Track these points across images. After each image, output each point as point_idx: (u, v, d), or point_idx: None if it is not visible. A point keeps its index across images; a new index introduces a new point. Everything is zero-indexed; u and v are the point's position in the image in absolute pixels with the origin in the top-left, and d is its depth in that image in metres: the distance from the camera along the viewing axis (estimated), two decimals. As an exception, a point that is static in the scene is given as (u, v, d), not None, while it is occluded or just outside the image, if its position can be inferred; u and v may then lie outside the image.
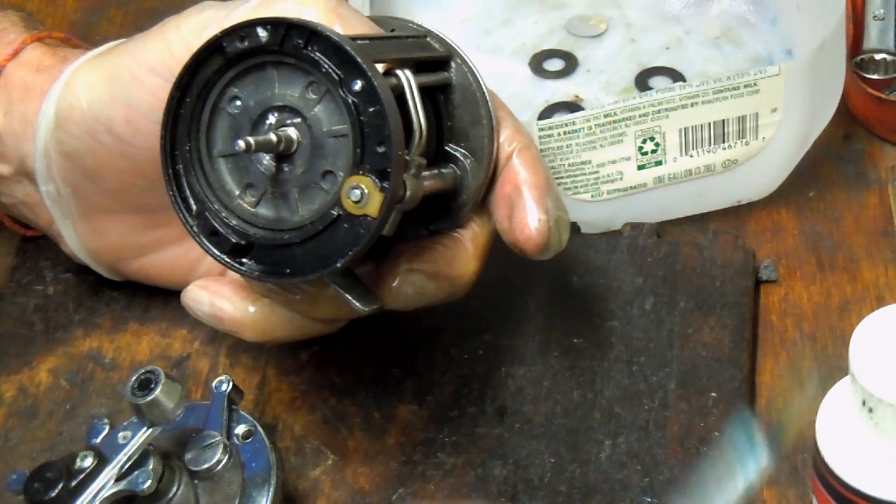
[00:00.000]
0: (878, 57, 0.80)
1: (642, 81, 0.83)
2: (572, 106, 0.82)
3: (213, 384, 0.64)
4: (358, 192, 0.56)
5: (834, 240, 0.76)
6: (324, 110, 0.58)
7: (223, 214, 0.60)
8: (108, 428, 0.62)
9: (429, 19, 0.86)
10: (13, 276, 0.76)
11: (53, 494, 0.57)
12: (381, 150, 0.56)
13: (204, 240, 0.60)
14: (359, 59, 0.56)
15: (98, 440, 0.61)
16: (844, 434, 0.57)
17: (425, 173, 0.60)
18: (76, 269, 0.74)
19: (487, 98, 0.63)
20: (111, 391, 0.70)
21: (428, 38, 0.64)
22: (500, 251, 0.64)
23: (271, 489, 0.61)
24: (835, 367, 0.69)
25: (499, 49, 0.86)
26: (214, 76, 0.59)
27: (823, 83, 0.75)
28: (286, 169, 0.59)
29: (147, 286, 0.73)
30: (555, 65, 0.85)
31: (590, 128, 0.72)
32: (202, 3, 0.66)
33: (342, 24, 0.61)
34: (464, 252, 0.63)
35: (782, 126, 0.74)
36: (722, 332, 0.70)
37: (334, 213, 0.57)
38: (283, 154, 0.58)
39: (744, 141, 0.74)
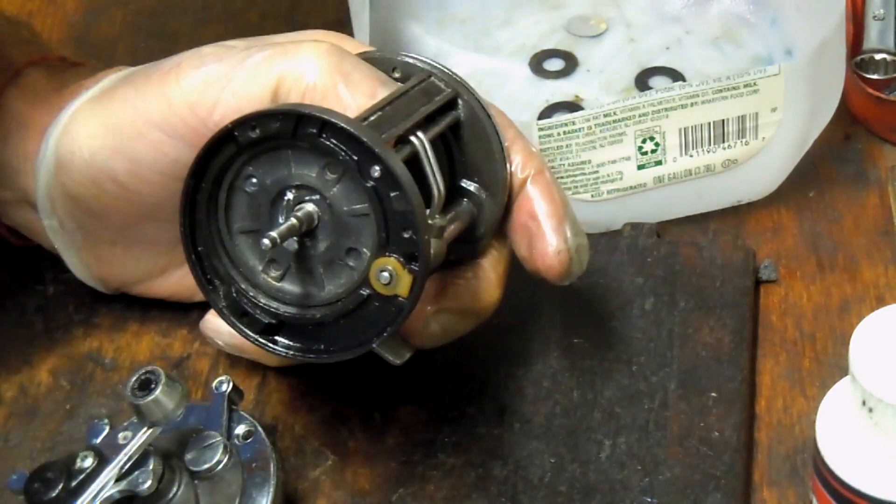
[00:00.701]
0: (878, 57, 0.80)
1: (642, 81, 0.83)
2: (572, 106, 0.82)
3: (214, 384, 0.64)
4: (387, 274, 0.56)
5: (834, 240, 0.76)
6: (343, 189, 0.57)
7: (251, 293, 0.60)
8: (108, 428, 0.62)
9: (429, 19, 0.87)
10: (13, 276, 0.76)
11: (53, 494, 0.57)
12: (406, 234, 0.56)
13: (236, 321, 0.60)
14: (376, 149, 0.56)
15: (98, 440, 0.62)
16: (844, 434, 0.57)
17: (446, 223, 0.60)
18: (76, 269, 0.74)
19: (497, 129, 0.63)
20: (111, 391, 0.70)
21: (433, 78, 0.63)
22: (514, 264, 0.64)
23: (271, 489, 0.61)
24: (835, 367, 0.69)
25: (499, 49, 0.86)
26: (228, 161, 0.58)
27: (823, 83, 0.75)
28: (309, 244, 0.59)
29: (147, 287, 0.73)
30: (555, 65, 0.85)
31: (589, 128, 0.72)
32: (201, 52, 0.65)
33: (346, 83, 0.61)
34: (487, 282, 0.63)
35: (782, 126, 0.74)
36: (722, 332, 0.70)
37: (364, 293, 0.57)
38: (305, 231, 0.58)
39: (744, 141, 0.74)
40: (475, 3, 0.88)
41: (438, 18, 0.87)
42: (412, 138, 0.59)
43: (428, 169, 0.59)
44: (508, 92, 0.83)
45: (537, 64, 0.84)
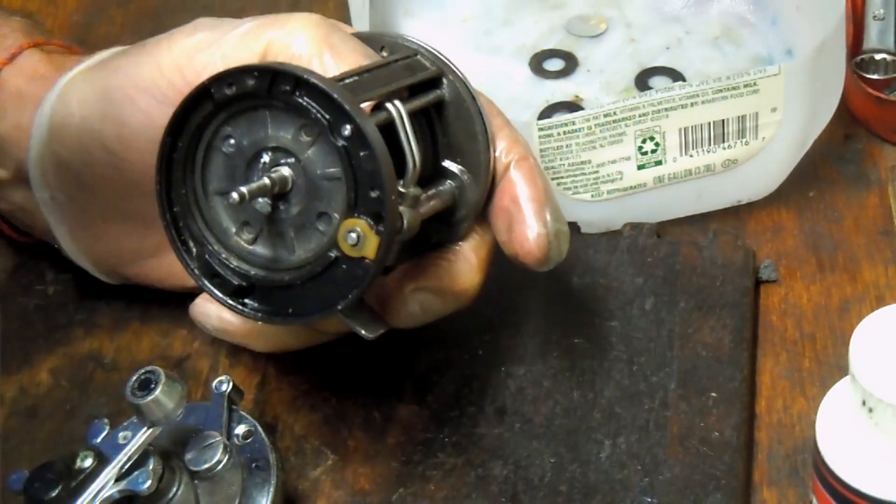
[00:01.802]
0: (878, 57, 0.80)
1: (642, 81, 0.83)
2: (572, 106, 0.82)
3: (214, 384, 0.64)
4: (354, 235, 0.56)
5: (834, 240, 0.76)
6: (317, 152, 0.58)
7: (223, 255, 0.60)
8: (108, 428, 0.62)
9: (429, 19, 0.87)
10: (13, 276, 0.76)
11: (53, 494, 0.57)
12: (374, 194, 0.56)
13: (206, 282, 0.60)
14: (346, 106, 0.56)
15: (98, 440, 0.61)
16: (844, 434, 0.57)
17: (423, 196, 0.60)
18: (76, 269, 0.74)
19: (482, 111, 0.63)
20: (111, 391, 0.70)
21: (419, 56, 0.63)
22: (499, 251, 0.64)
23: (271, 489, 0.61)
24: (835, 367, 0.69)
25: (499, 49, 0.86)
26: (206, 119, 0.59)
27: (823, 83, 0.75)
28: (282, 208, 0.59)
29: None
30: (555, 65, 0.85)
31: (590, 128, 0.72)
32: (196, 23, 0.66)
33: (332, 54, 0.61)
34: (467, 265, 0.63)
35: (782, 126, 0.74)
36: (722, 332, 0.70)
37: (332, 255, 0.58)
38: (278, 193, 0.58)
39: (744, 141, 0.74)
40: (475, 3, 0.88)
41: (438, 18, 0.87)
42: (388, 105, 0.59)
43: (403, 137, 0.59)
44: (508, 92, 0.83)
45: (537, 64, 0.84)
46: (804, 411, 0.68)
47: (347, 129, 0.56)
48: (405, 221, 0.58)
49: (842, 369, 0.57)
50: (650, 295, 0.71)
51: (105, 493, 0.58)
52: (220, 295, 0.60)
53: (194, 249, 0.60)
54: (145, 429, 0.58)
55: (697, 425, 0.66)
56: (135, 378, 0.58)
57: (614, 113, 0.72)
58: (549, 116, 0.79)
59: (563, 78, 0.84)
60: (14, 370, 0.72)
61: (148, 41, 0.66)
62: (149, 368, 0.58)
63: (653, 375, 0.68)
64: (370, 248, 0.57)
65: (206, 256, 0.60)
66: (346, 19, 0.78)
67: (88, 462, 0.58)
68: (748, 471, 0.65)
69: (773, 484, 0.65)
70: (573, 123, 0.72)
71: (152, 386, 0.57)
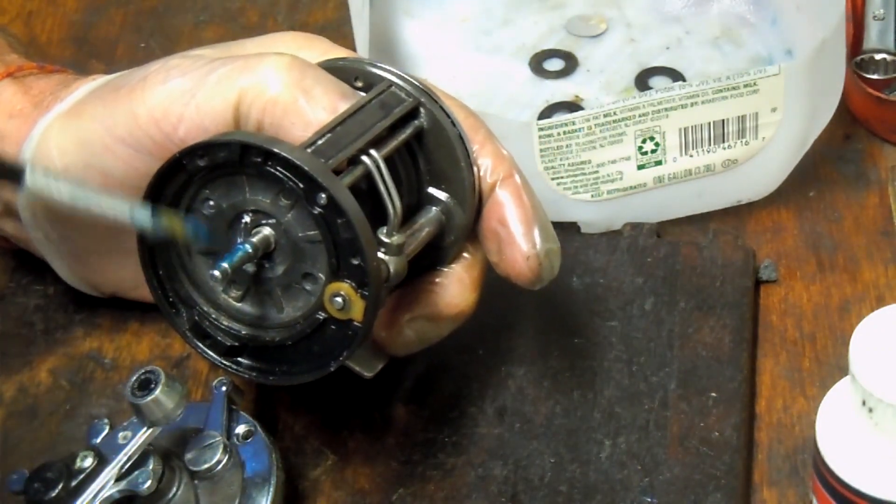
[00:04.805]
0: (878, 57, 0.80)
1: (642, 81, 0.83)
2: (572, 106, 0.82)
3: (214, 384, 0.64)
4: (340, 299, 0.57)
5: (834, 240, 0.76)
6: (296, 216, 0.57)
7: (213, 316, 0.60)
8: (108, 428, 0.62)
9: (429, 19, 0.87)
10: (13, 276, 0.76)
11: (53, 494, 0.57)
12: (355, 262, 0.56)
13: (199, 344, 0.61)
14: (317, 178, 0.55)
15: (98, 440, 0.62)
16: (844, 434, 0.57)
17: (409, 234, 0.60)
18: (76, 269, 0.74)
19: (462, 135, 0.62)
20: (111, 391, 0.70)
21: (393, 88, 0.62)
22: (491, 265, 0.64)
23: (271, 489, 0.61)
24: (835, 367, 0.69)
25: (499, 49, 0.86)
26: (182, 188, 0.59)
27: (823, 83, 0.75)
28: (267, 266, 0.59)
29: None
30: (555, 65, 0.85)
31: (590, 128, 0.72)
32: (167, 65, 0.64)
33: (306, 98, 0.60)
34: (461, 286, 0.63)
35: (782, 126, 0.74)
36: (722, 332, 0.70)
37: (320, 316, 0.58)
38: (262, 254, 0.58)
39: (744, 141, 0.74)
40: (475, 3, 0.88)
41: (438, 18, 0.87)
42: (364, 158, 0.59)
43: (382, 188, 0.59)
44: (508, 92, 0.83)
45: (537, 64, 0.84)
46: (804, 411, 0.68)
47: (322, 198, 0.56)
48: (391, 270, 0.58)
49: (842, 369, 0.57)
50: (650, 295, 0.71)
51: (105, 493, 0.58)
52: (213, 356, 0.61)
53: (184, 312, 0.61)
54: (145, 429, 0.58)
55: (697, 425, 0.66)
56: (135, 378, 0.58)
57: (614, 113, 0.72)
58: (549, 116, 0.79)
59: (563, 78, 0.84)
60: (14, 370, 0.72)
61: (122, 81, 0.65)
62: (149, 368, 0.58)
63: (653, 375, 0.68)
64: (357, 311, 0.57)
65: (196, 318, 0.61)
66: (346, 19, 0.78)
67: (88, 462, 0.58)
68: (748, 471, 0.65)
69: (773, 484, 0.65)
70: (573, 123, 0.72)
71: (152, 386, 0.57)
